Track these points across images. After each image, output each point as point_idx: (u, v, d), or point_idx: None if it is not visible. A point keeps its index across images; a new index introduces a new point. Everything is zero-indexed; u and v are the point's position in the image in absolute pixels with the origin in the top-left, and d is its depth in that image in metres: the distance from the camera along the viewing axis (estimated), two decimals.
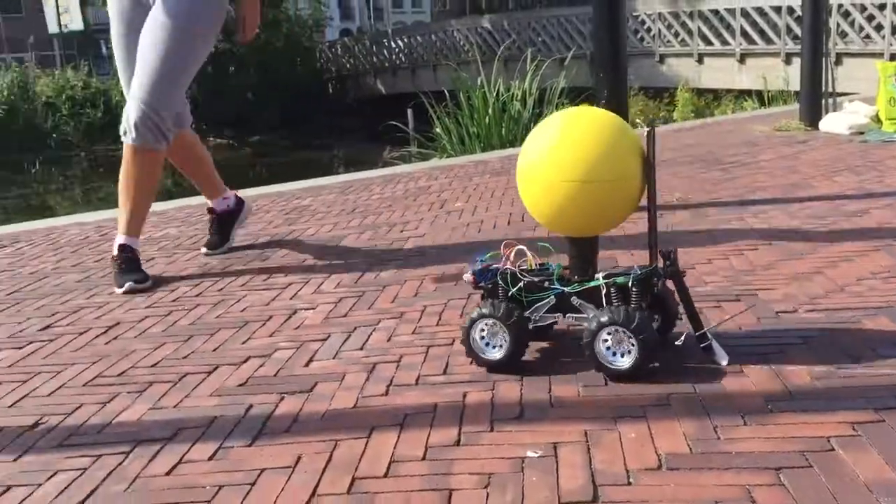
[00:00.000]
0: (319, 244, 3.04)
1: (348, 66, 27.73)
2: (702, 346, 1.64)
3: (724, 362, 1.61)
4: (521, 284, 1.66)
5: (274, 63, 25.84)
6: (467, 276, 1.72)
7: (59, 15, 30.72)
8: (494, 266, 1.71)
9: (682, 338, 1.65)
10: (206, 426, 1.51)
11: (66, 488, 1.32)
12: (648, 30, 16.92)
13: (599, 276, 1.64)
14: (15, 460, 1.43)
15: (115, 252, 2.63)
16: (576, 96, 9.69)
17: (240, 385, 1.71)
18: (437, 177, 4.63)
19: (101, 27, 34.01)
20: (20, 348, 2.04)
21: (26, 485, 1.34)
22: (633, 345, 1.54)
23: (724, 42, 15.08)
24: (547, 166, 1.59)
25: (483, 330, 1.65)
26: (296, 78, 26.32)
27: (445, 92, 8.67)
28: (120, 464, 1.39)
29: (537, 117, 8.11)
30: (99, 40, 35.23)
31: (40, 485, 1.33)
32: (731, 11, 14.90)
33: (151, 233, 3.46)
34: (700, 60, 15.58)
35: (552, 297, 1.66)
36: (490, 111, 7.81)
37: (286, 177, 15.94)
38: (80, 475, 1.36)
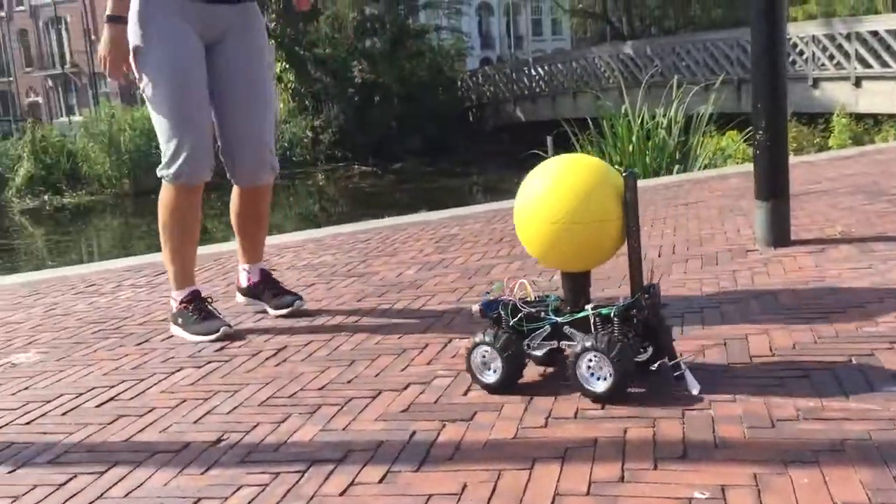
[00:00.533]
0: (470, 273, 3.10)
1: (488, 94, 28.09)
2: (675, 374, 1.76)
3: (696, 391, 1.71)
4: (520, 315, 1.85)
5: (417, 92, 26.52)
6: (475, 308, 1.90)
7: None
8: (500, 298, 1.90)
9: (657, 365, 1.77)
10: (373, 450, 1.58)
11: (250, 503, 1.41)
12: (801, 53, 16.27)
13: (589, 307, 1.80)
14: (202, 474, 1.54)
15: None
16: (724, 123, 9.45)
17: (402, 411, 1.78)
18: None
19: None
20: (199, 367, 2.20)
21: (214, 498, 1.44)
22: (610, 371, 1.69)
23: (885, 64, 14.30)
24: (537, 210, 1.80)
25: (483, 356, 1.84)
26: (438, 106, 26.89)
27: (588, 120, 8.65)
28: (297, 482, 1.47)
29: (683, 145, 7.96)
30: None
31: (226, 498, 1.43)
32: (893, 32, 14.12)
33: (310, 259, 3.63)
34: (857, 84, 14.83)
35: (547, 326, 1.84)
36: (634, 139, 7.73)
37: (429, 203, 16.30)
38: (262, 491, 1.45)
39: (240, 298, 2.79)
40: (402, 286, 2.99)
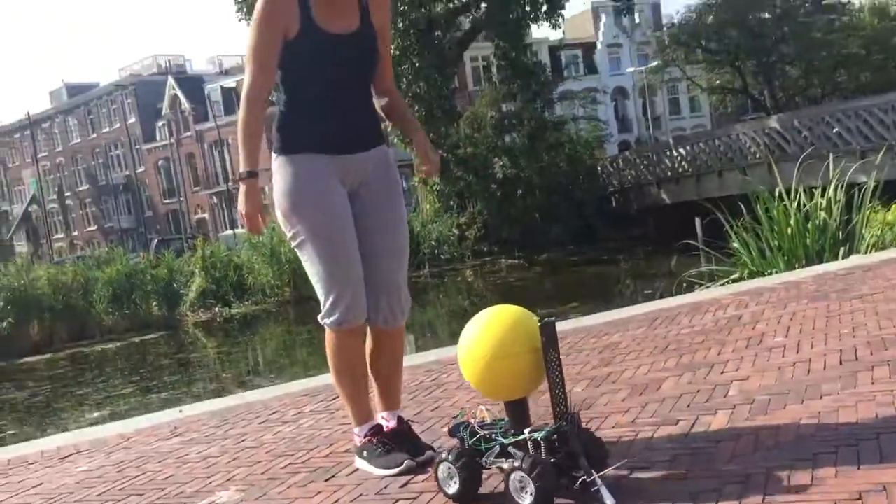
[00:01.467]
0: (639, 388, 3.07)
1: (630, 177, 27.96)
2: (592, 489, 2.00)
3: (611, 503, 1.96)
4: (477, 437, 2.21)
5: (558, 183, 26.76)
6: (446, 430, 2.29)
7: None
8: (464, 422, 2.26)
9: (578, 483, 2.02)
10: None
11: None
12: None
13: (526, 431, 2.12)
14: None
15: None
16: (887, 191, 8.94)
17: None
18: (746, 303, 4.50)
19: (403, 162, 37.43)
20: None
21: None
22: (532, 489, 1.98)
23: None
24: (468, 351, 2.20)
25: (447, 470, 2.18)
26: (580, 194, 26.98)
27: (739, 203, 8.42)
28: None
29: (846, 224, 7.58)
30: (399, 175, 38.65)
31: None
32: None
33: None
34: None
35: (497, 446, 2.18)
36: (792, 222, 7.44)
37: (579, 295, 16.19)
38: None
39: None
40: (573, 407, 2.99)
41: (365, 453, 2.59)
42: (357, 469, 2.63)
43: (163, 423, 3.83)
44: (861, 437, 2.21)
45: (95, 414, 11.68)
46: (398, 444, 2.55)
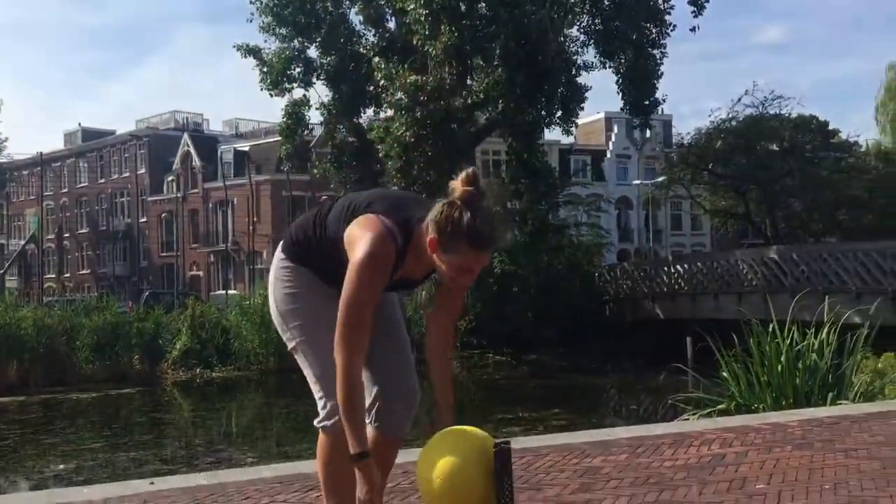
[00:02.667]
0: None
1: (626, 287, 28.09)
2: None
3: None
4: None
5: (555, 285, 26.83)
6: None
7: None
8: None
9: None
10: None
11: None
12: None
13: None
14: None
15: None
16: (882, 341, 8.97)
17: None
18: (731, 442, 4.49)
19: None
20: None
21: None
22: None
23: None
24: (423, 470, 2.27)
25: None
26: (575, 299, 27.02)
27: (732, 335, 8.45)
28: None
29: (836, 368, 7.61)
30: None
31: None
32: None
33: None
34: None
35: None
36: (783, 359, 7.47)
37: (563, 402, 16.05)
38: None
39: None
40: None
41: None
42: None
43: (132, 495, 3.77)
44: None
45: (61, 466, 11.43)
46: None
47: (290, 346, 2.56)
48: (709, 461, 4.02)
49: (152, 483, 4.05)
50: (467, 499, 2.21)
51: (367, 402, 2.52)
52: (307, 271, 2.52)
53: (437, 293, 2.60)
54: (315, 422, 2.48)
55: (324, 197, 44.60)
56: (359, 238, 2.30)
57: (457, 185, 2.30)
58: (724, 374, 7.68)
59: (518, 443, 4.75)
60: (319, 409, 2.47)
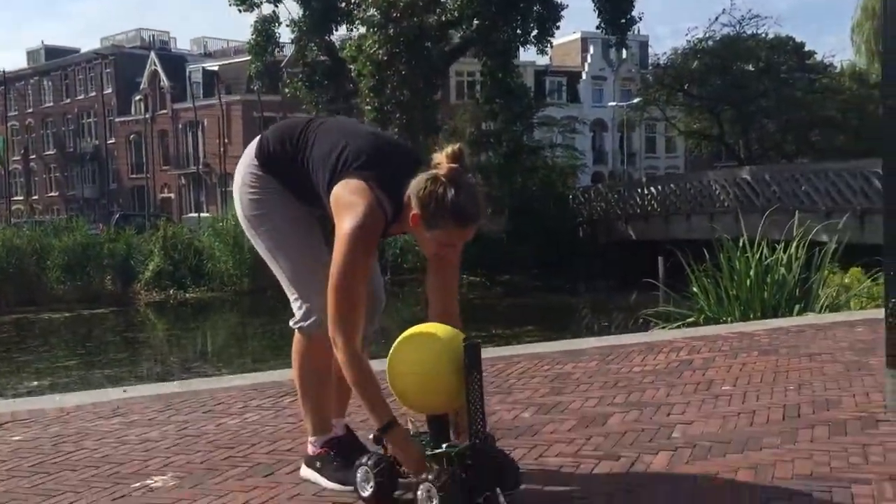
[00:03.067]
0: (586, 420, 3.10)
1: (600, 210, 28.21)
2: None
3: None
4: None
5: (529, 206, 26.88)
6: (371, 436, 2.30)
7: None
8: None
9: (483, 500, 2.15)
10: None
11: None
12: None
13: (444, 446, 2.21)
14: None
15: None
16: (849, 258, 9.12)
17: None
18: (699, 349, 4.57)
19: None
20: None
21: None
22: (436, 500, 2.09)
23: None
24: (394, 364, 2.25)
25: (363, 474, 2.28)
26: (549, 221, 27.12)
27: (704, 249, 8.55)
28: None
29: (804, 282, 7.74)
30: None
31: None
32: None
33: None
34: None
35: None
36: (752, 274, 7.57)
37: (537, 321, 16.25)
38: None
39: (301, 471, 2.57)
40: (518, 430, 3.02)
41: (318, 464, 2.48)
42: (299, 472, 2.60)
43: (105, 402, 3.78)
44: (795, 492, 2.26)
45: (35, 383, 11.46)
46: (348, 453, 2.49)
47: (260, 250, 2.53)
48: (676, 366, 4.09)
49: (125, 391, 4.05)
50: (437, 393, 2.22)
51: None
52: (277, 183, 2.47)
53: (429, 267, 2.54)
54: (291, 322, 2.46)
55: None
56: (348, 206, 2.24)
57: (441, 159, 2.24)
58: (695, 289, 7.79)
59: (491, 352, 4.81)
60: (294, 310, 2.45)
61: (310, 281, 2.41)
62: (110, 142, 52.59)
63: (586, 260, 26.19)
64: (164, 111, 48.95)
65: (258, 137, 2.56)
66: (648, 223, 25.30)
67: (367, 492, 2.28)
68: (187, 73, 47.63)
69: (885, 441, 2.70)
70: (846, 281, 8.86)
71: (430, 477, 2.13)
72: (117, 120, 51.59)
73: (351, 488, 2.36)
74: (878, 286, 8.41)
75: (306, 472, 2.53)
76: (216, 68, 47.02)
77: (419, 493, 2.14)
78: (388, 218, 2.28)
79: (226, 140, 44.22)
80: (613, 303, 19.04)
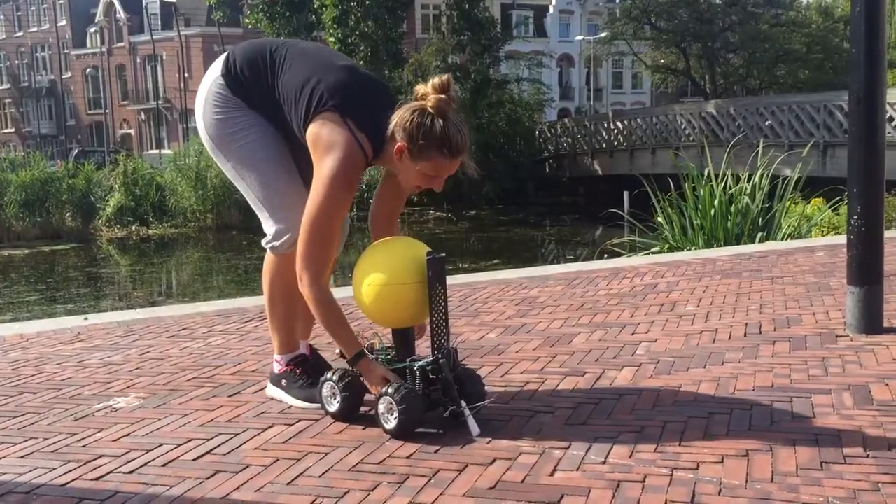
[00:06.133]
0: (551, 340, 3.12)
1: (566, 145, 28.17)
2: (461, 419, 2.14)
3: (475, 433, 2.10)
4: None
5: (495, 141, 26.77)
6: (337, 351, 2.32)
7: None
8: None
9: (448, 412, 2.19)
10: None
11: None
12: (891, 119, 15.90)
13: (408, 360, 2.23)
14: None
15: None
16: (808, 185, 9.25)
17: (490, 488, 1.81)
18: (663, 273, 4.61)
19: None
20: (290, 425, 2.27)
21: None
22: (396, 413, 2.10)
23: None
24: (360, 276, 2.24)
25: (329, 389, 2.28)
26: (515, 156, 27.08)
27: (669, 180, 8.59)
28: None
29: (766, 211, 7.83)
30: None
31: None
32: None
33: None
34: None
35: None
36: (717, 203, 7.63)
37: (503, 254, 16.34)
38: None
39: (267, 389, 2.60)
40: (484, 350, 3.03)
41: (284, 382, 2.48)
42: (265, 391, 2.59)
43: (66, 329, 3.72)
44: (755, 403, 2.30)
45: None
46: (312, 371, 2.50)
47: (227, 170, 2.46)
48: (641, 290, 4.12)
49: (86, 318, 3.99)
50: (400, 306, 2.21)
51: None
52: (245, 104, 2.38)
53: (383, 185, 2.52)
54: (262, 242, 2.42)
55: None
56: (327, 147, 2.18)
57: (427, 90, 2.17)
58: (660, 219, 7.84)
59: (458, 278, 4.80)
60: (266, 229, 2.40)
61: (283, 200, 2.37)
62: (66, 76, 51.13)
63: (552, 195, 26.26)
64: (122, 44, 47.58)
65: (223, 55, 2.46)
66: (614, 158, 25.34)
67: (333, 407, 2.28)
68: (144, 5, 46.19)
69: (843, 354, 2.75)
70: (808, 211, 8.97)
71: (390, 391, 2.12)
72: (73, 53, 50.09)
73: (317, 406, 2.36)
74: (839, 216, 8.56)
75: (272, 390, 2.53)
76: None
77: (380, 406, 2.15)
78: (368, 158, 2.24)
79: (186, 74, 43.20)
80: (579, 236, 19.17)
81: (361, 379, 2.26)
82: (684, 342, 3.02)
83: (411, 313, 2.24)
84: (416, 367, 2.19)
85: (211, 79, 2.43)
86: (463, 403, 2.16)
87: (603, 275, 4.65)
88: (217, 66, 2.44)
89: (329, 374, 2.30)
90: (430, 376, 2.19)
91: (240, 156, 2.41)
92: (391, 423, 2.12)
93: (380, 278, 2.20)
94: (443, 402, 2.20)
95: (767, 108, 19.91)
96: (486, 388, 2.31)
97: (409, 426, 2.11)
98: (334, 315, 2.23)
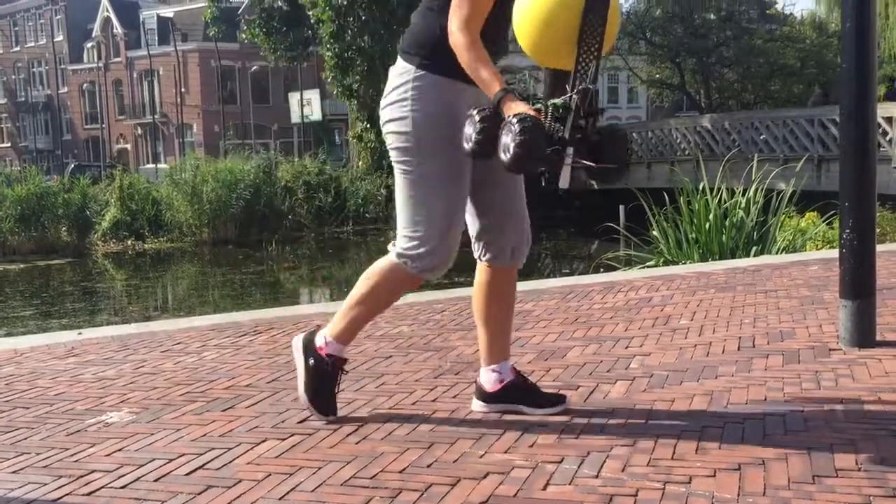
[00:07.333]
0: (545, 354, 3.12)
1: None
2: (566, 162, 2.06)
3: (563, 185, 2.09)
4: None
5: None
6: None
7: (301, 106, 33.78)
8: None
9: (550, 151, 2.05)
10: None
11: None
12: (884, 133, 15.97)
13: (554, 100, 2.11)
14: None
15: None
16: (803, 199, 9.29)
17: (482, 503, 1.80)
18: (658, 287, 4.61)
19: (337, 117, 36.71)
20: (283, 440, 2.27)
21: None
22: (513, 143, 1.98)
23: None
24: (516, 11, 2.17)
25: (469, 126, 2.13)
26: None
27: (664, 194, 8.62)
28: None
29: (761, 225, 7.85)
30: (333, 129, 38.21)
31: None
32: None
33: (387, 329, 3.70)
34: None
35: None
36: (711, 217, 7.65)
37: None
38: None
39: (478, 406, 2.48)
40: (478, 364, 3.02)
41: (312, 361, 2.40)
42: (255, 403, 2.59)
43: (60, 343, 3.72)
44: (748, 417, 2.30)
45: None
46: (518, 398, 2.42)
47: (402, 171, 2.31)
48: (635, 304, 4.12)
49: (80, 333, 3.98)
50: (555, 33, 2.12)
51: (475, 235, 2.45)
52: (447, 83, 2.24)
53: None
54: (390, 246, 2.34)
55: (254, 67, 43.41)
56: None
57: None
58: (655, 233, 7.86)
59: (451, 292, 4.81)
60: (402, 243, 2.30)
61: (440, 223, 2.27)
62: (63, 91, 51.20)
63: (547, 208, 26.28)
64: (118, 59, 47.69)
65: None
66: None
67: (508, 154, 2.02)
68: (141, 20, 46.33)
69: (836, 368, 2.76)
70: (802, 225, 9.00)
71: (513, 120, 1.99)
72: (70, 68, 50.17)
73: (323, 417, 2.37)
74: (833, 230, 8.57)
75: (296, 345, 2.46)
76: (171, 14, 45.78)
77: (503, 138, 2.01)
78: None
79: (182, 89, 43.27)
80: (574, 250, 19.18)
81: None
82: (678, 356, 3.03)
83: (562, 39, 2.12)
84: (548, 104, 2.09)
85: (402, 73, 2.35)
86: (570, 151, 2.05)
87: (598, 288, 4.66)
88: (402, 59, 2.39)
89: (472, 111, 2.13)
90: (561, 114, 2.06)
91: (422, 170, 2.31)
92: (509, 153, 1.99)
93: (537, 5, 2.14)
94: (561, 142, 2.05)
95: (762, 123, 19.97)
96: (627, 156, 2.22)
97: (527, 156, 1.97)
98: (479, 56, 2.12)
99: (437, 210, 2.27)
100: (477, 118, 2.10)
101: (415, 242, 2.28)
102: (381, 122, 2.36)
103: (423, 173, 2.27)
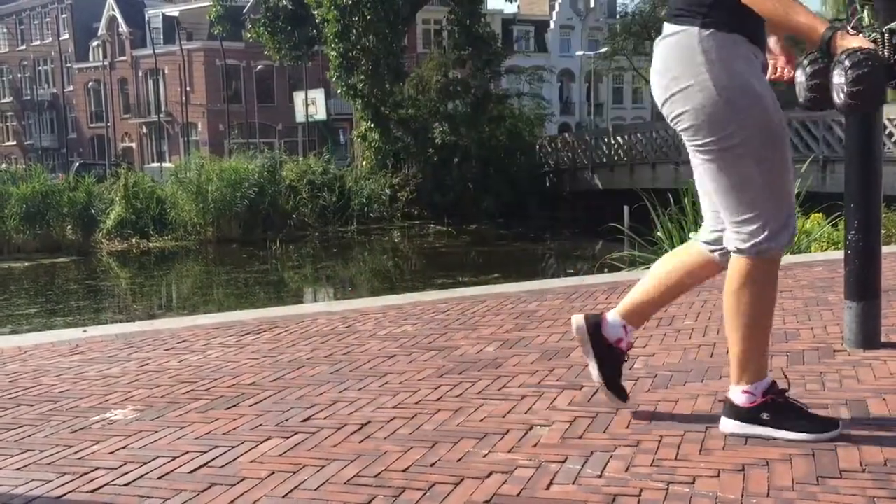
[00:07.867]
0: (549, 353, 3.12)
1: (566, 159, 28.20)
2: None
3: None
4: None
5: (496, 155, 26.82)
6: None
7: (306, 106, 33.82)
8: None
9: None
10: None
11: None
12: (890, 135, 15.94)
13: (891, 25, 1.84)
14: None
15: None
16: (808, 200, 9.25)
17: (485, 502, 1.80)
18: None
19: (341, 116, 36.73)
20: (287, 438, 2.27)
21: None
22: (851, 80, 1.76)
23: None
24: None
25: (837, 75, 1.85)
26: (516, 170, 27.12)
27: (669, 195, 8.61)
28: None
29: None
30: (338, 129, 38.24)
31: None
32: None
33: (391, 329, 3.71)
34: None
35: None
36: None
37: (502, 268, 16.31)
38: None
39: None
40: (482, 364, 3.03)
41: (766, 415, 2.10)
42: (258, 402, 2.59)
43: (64, 341, 3.73)
44: None
45: None
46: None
47: (719, 150, 2.05)
48: None
49: (85, 331, 3.99)
50: None
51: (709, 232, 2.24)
52: (741, 40, 2.01)
53: None
54: (749, 244, 2.04)
55: (259, 66, 43.46)
56: None
57: None
58: (659, 233, 7.85)
59: (456, 291, 4.82)
60: (750, 231, 2.03)
61: (788, 190, 2.06)
62: (68, 89, 51.29)
63: (552, 209, 26.28)
64: (124, 58, 47.76)
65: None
66: (614, 173, 25.37)
67: (841, 96, 1.82)
68: (146, 19, 46.42)
69: (841, 369, 2.75)
70: (807, 226, 8.98)
71: (842, 57, 1.79)
72: (75, 67, 50.27)
73: (830, 435, 2.06)
74: (839, 231, 8.56)
75: (752, 429, 2.11)
76: (176, 13, 45.82)
77: (834, 78, 1.83)
78: None
79: (188, 88, 43.33)
80: (579, 251, 19.16)
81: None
82: (682, 356, 3.02)
83: None
84: (884, 30, 1.83)
85: (696, 33, 2.08)
86: None
87: (602, 289, 4.65)
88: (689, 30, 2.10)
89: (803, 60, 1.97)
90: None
91: (747, 135, 2.06)
92: (843, 95, 1.80)
93: None
94: None
95: None
96: None
97: (867, 96, 1.78)
98: (790, 1, 1.90)
99: (777, 178, 2.01)
100: (806, 63, 1.93)
101: (761, 223, 2.01)
102: (662, 106, 2.11)
103: (745, 139, 2.00)
